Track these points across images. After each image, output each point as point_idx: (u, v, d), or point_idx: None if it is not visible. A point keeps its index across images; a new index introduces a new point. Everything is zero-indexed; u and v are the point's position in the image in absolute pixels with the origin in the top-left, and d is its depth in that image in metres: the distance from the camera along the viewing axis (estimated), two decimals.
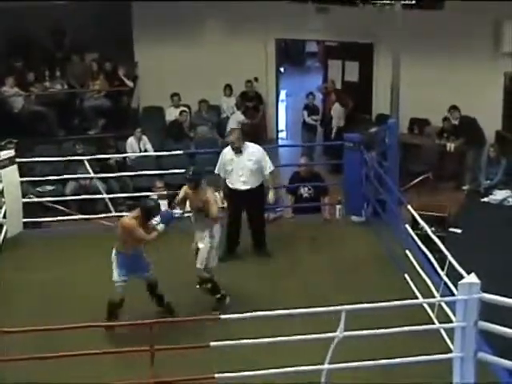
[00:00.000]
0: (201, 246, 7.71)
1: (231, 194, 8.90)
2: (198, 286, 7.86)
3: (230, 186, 8.86)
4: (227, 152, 8.86)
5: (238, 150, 8.75)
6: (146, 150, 13.35)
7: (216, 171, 8.96)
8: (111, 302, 7.46)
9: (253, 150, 8.82)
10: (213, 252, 7.79)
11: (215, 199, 7.91)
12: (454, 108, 13.87)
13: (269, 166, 8.82)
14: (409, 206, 8.66)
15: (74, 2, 14.33)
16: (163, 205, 10.63)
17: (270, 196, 9.06)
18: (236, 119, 14.73)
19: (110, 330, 7.25)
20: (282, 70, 18.40)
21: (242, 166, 8.73)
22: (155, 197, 8.74)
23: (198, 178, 7.78)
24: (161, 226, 7.42)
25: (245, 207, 8.95)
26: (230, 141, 8.90)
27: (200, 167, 8.36)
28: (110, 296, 7.47)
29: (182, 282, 8.03)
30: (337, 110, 14.59)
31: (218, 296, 7.88)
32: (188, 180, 7.82)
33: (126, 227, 7.37)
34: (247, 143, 8.85)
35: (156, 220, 7.47)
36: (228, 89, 15.14)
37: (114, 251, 7.53)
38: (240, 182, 8.77)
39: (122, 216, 11.08)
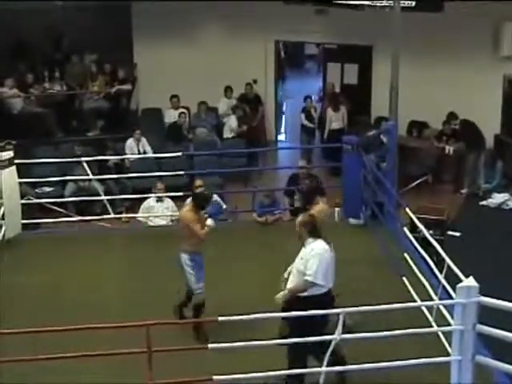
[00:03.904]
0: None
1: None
2: None
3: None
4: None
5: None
6: (145, 152, 13.34)
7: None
8: (197, 306, 7.42)
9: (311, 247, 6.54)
10: None
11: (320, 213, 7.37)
12: (452, 116, 13.84)
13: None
14: (407, 209, 8.67)
15: (74, 3, 14.35)
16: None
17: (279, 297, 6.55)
18: (230, 125, 14.69)
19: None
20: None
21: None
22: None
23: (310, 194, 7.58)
24: (210, 221, 7.36)
25: None
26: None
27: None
28: (194, 301, 7.43)
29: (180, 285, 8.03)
30: (328, 114, 14.63)
31: None
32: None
33: (183, 219, 7.40)
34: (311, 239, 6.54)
35: (205, 212, 7.46)
36: (229, 91, 15.13)
37: (184, 256, 7.37)
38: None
39: (120, 218, 11.26)
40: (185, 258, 7.38)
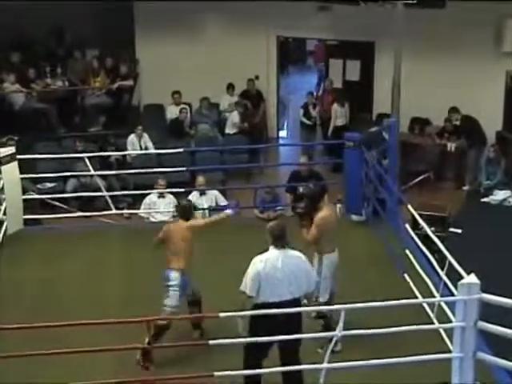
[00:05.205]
0: None
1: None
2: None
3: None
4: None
5: None
6: (146, 148, 13.34)
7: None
8: (161, 326, 6.73)
9: None
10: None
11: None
12: (453, 110, 13.83)
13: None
14: (409, 206, 8.66)
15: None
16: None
17: None
18: (232, 120, 14.68)
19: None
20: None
21: None
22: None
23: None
24: (228, 211, 7.36)
25: None
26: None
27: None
28: (158, 321, 6.74)
29: None
30: (334, 110, 14.60)
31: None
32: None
33: (188, 228, 7.07)
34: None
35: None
36: (231, 88, 15.13)
37: (174, 274, 6.94)
38: None
39: (121, 214, 11.28)
40: (171, 275, 6.97)
